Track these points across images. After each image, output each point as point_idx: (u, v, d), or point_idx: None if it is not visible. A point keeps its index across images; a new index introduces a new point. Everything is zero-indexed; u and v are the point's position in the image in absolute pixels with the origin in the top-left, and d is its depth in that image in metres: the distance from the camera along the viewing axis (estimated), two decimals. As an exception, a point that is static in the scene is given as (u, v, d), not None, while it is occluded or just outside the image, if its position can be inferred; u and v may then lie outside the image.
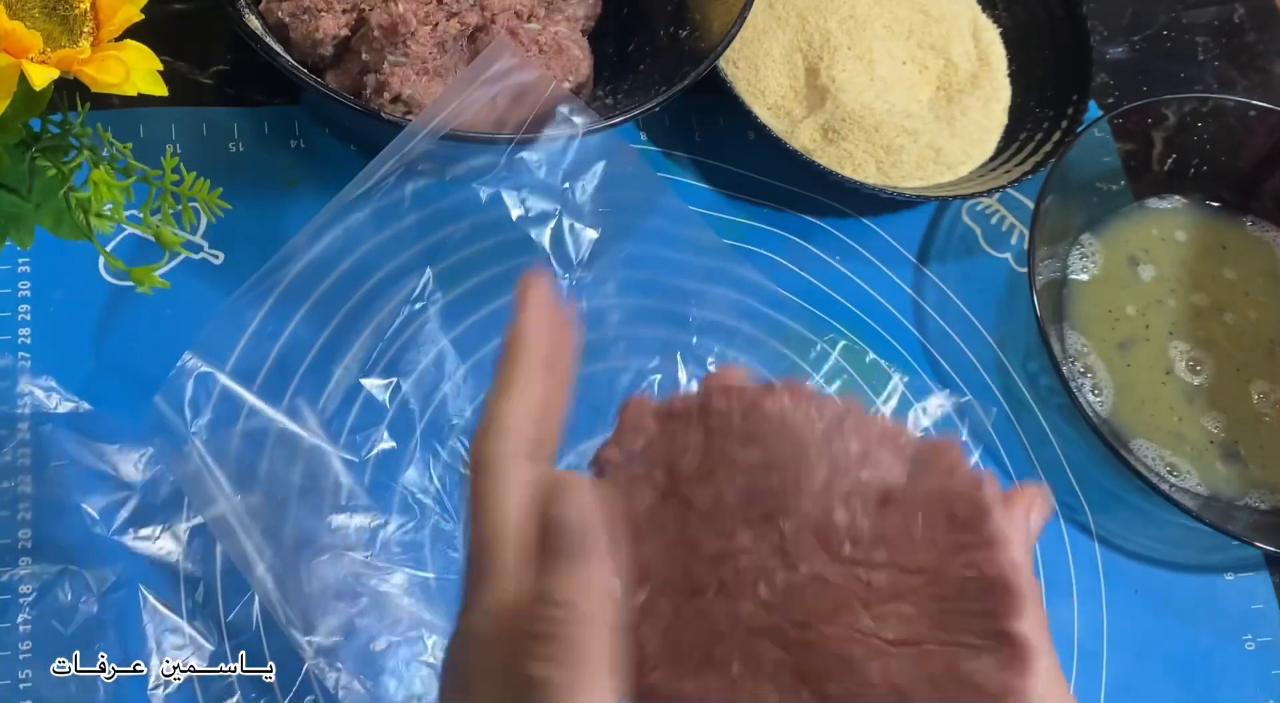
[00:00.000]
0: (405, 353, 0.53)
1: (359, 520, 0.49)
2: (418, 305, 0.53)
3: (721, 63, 0.58)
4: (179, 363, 0.48)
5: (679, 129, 0.62)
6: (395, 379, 0.52)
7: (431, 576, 0.49)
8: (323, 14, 0.50)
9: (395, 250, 0.54)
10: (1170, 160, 0.64)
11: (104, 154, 0.37)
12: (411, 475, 0.50)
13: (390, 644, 0.47)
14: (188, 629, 0.45)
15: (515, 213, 0.52)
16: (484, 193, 0.51)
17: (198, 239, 0.53)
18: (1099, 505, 0.57)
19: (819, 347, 0.56)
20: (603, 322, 0.56)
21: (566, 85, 0.54)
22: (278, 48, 0.50)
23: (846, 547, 0.28)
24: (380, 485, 0.50)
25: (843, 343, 0.56)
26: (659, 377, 0.55)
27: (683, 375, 0.55)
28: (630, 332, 0.56)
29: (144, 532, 0.47)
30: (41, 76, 0.32)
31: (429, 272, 0.53)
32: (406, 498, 0.50)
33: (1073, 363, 0.60)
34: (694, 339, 0.56)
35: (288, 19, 0.51)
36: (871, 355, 0.56)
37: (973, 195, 0.59)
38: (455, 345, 0.53)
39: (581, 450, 0.52)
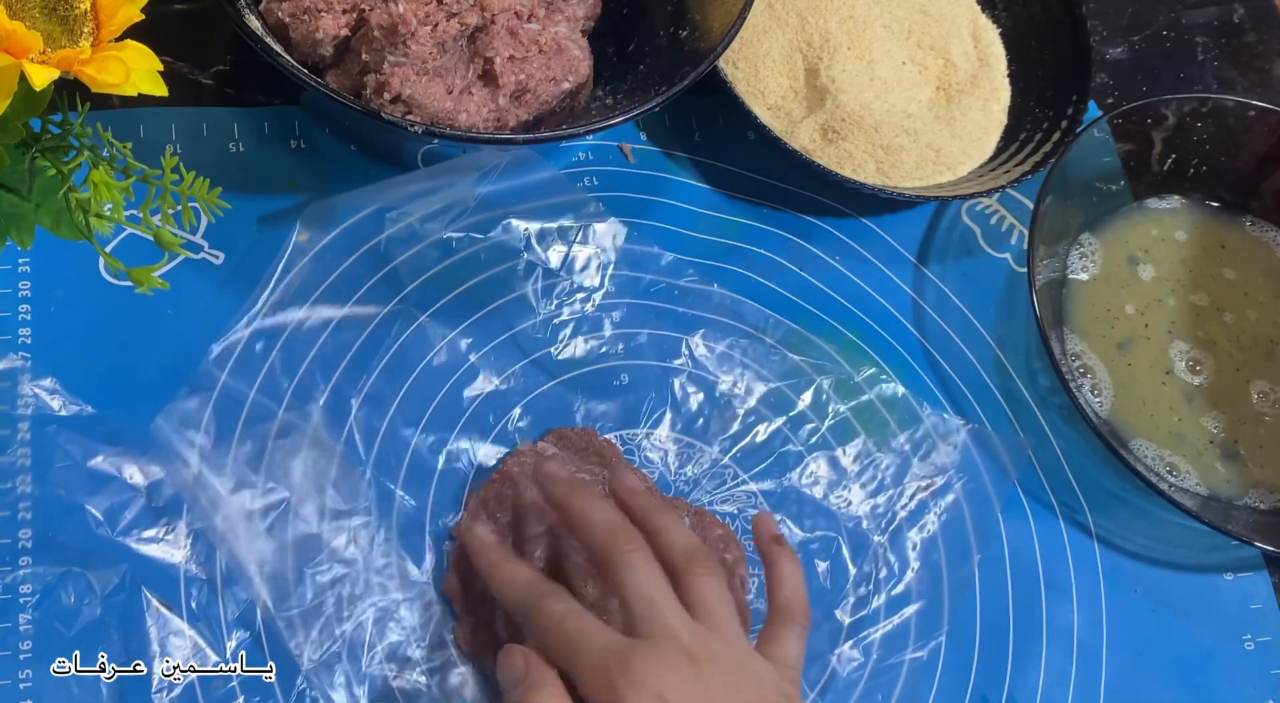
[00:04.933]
0: (404, 359, 0.53)
1: (359, 530, 0.49)
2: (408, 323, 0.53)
3: (721, 63, 0.58)
4: (180, 392, 0.49)
5: (679, 129, 0.62)
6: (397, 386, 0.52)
7: (426, 581, 0.49)
8: (323, 14, 0.50)
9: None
10: (1170, 160, 0.64)
11: (104, 154, 0.37)
12: (410, 484, 0.50)
13: (380, 654, 0.47)
14: (189, 631, 0.45)
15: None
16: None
17: (198, 239, 0.53)
18: (1099, 506, 0.57)
19: (858, 379, 0.57)
20: (600, 324, 0.56)
21: (566, 85, 0.54)
22: (278, 48, 0.50)
23: None
24: (382, 490, 0.50)
25: (882, 379, 0.57)
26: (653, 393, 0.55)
27: (676, 385, 0.55)
28: (628, 332, 0.56)
29: (147, 534, 0.47)
30: (42, 77, 0.32)
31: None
32: (405, 504, 0.50)
33: (1072, 363, 0.60)
34: (691, 340, 0.56)
35: (288, 19, 0.51)
36: (903, 391, 0.57)
37: (972, 195, 0.59)
38: (450, 350, 0.53)
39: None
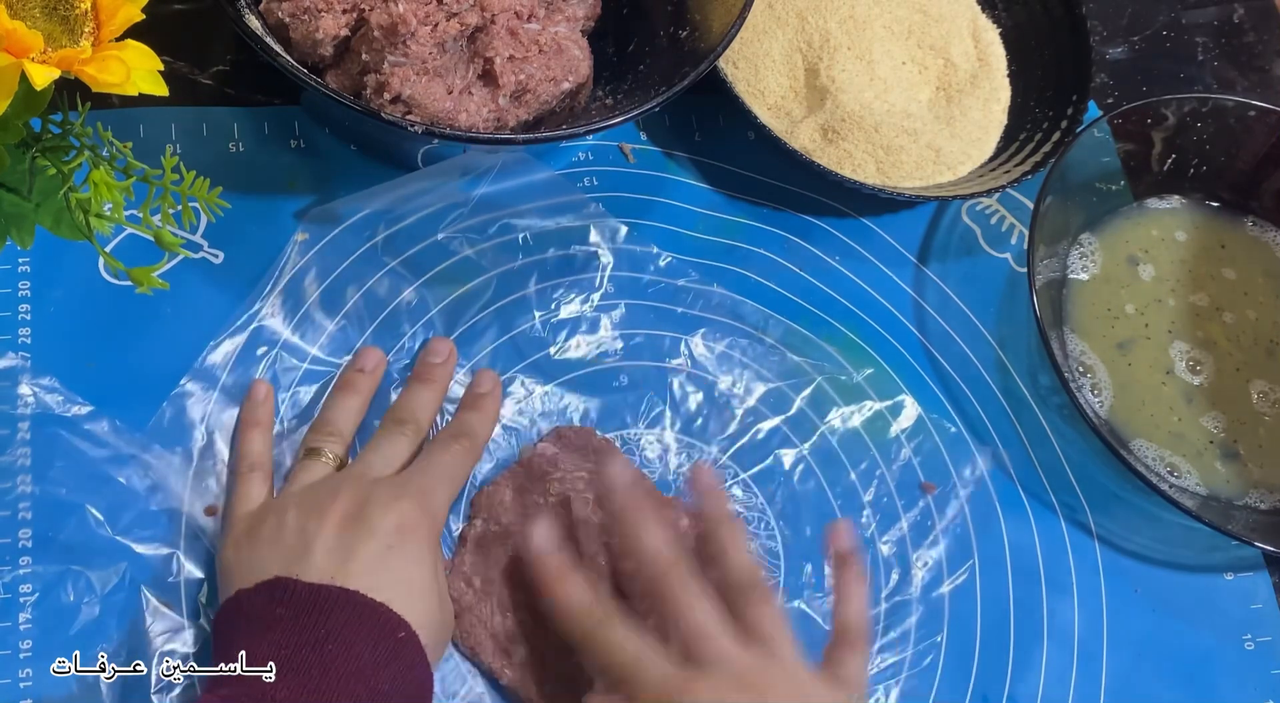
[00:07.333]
0: (403, 361, 0.53)
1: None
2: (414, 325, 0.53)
3: (721, 63, 0.58)
4: (181, 382, 0.49)
5: (679, 129, 0.62)
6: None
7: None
8: (323, 14, 0.50)
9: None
10: (1170, 160, 0.64)
11: (104, 154, 0.37)
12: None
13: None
14: (190, 630, 0.45)
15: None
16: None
17: (198, 239, 0.53)
18: (1099, 506, 0.57)
19: (858, 379, 0.57)
20: (599, 325, 0.56)
21: (566, 85, 0.54)
22: (278, 48, 0.50)
23: None
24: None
25: (883, 379, 0.57)
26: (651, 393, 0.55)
27: (675, 385, 0.55)
28: (627, 332, 0.56)
29: (147, 533, 0.47)
30: (42, 76, 0.32)
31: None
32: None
33: (1072, 363, 0.60)
34: (690, 340, 0.56)
35: (288, 19, 0.51)
36: (904, 391, 0.57)
37: (973, 195, 0.59)
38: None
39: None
